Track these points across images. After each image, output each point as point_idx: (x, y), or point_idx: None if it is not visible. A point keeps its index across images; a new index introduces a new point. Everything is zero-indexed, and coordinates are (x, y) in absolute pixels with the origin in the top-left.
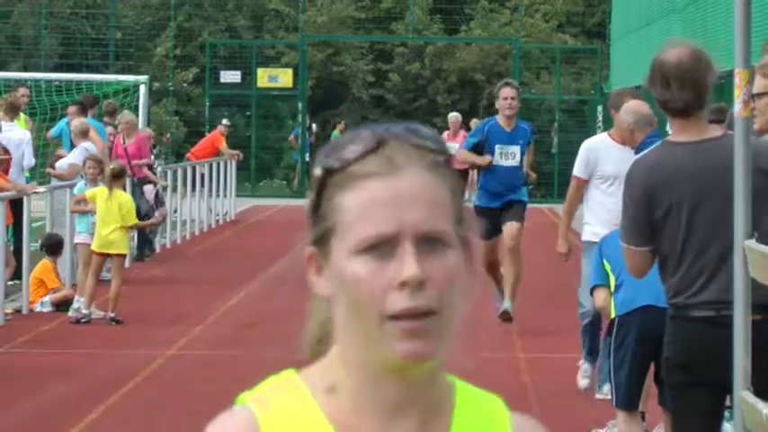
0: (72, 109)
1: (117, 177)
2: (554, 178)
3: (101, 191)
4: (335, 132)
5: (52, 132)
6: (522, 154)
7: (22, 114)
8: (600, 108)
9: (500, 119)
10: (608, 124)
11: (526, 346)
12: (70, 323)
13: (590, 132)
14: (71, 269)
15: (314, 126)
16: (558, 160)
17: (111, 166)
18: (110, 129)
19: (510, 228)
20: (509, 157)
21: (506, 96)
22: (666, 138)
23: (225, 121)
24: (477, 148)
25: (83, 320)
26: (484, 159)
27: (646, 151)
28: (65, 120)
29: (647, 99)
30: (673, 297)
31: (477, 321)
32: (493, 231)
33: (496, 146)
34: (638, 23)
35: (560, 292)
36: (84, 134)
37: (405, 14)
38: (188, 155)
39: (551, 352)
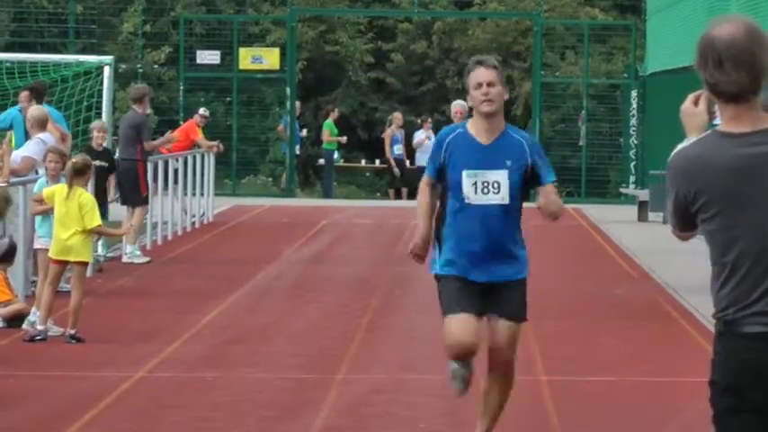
0: (24, 95)
1: (79, 173)
2: (582, 174)
3: (60, 189)
4: (329, 122)
5: (1, 121)
6: (516, 186)
7: None
8: (634, 93)
9: (472, 123)
10: (646, 113)
11: (549, 368)
12: (24, 341)
13: (623, 121)
14: (25, 279)
15: (304, 131)
16: (587, 153)
17: (74, 160)
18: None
19: (502, 330)
20: (489, 188)
21: (480, 81)
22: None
23: (202, 110)
24: (441, 177)
25: (38, 338)
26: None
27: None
28: (16, 107)
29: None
30: (722, 311)
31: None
32: (472, 307)
33: (464, 171)
34: None
35: (588, 306)
36: (43, 124)
37: None
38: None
39: (579, 375)
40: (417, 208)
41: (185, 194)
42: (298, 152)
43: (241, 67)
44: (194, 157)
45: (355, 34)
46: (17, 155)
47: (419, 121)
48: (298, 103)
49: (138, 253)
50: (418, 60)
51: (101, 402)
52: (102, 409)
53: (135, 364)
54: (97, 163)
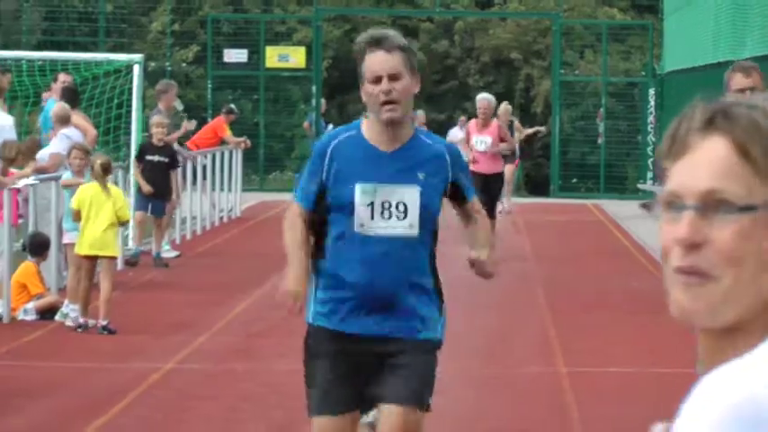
0: (46, 95)
1: (108, 171)
2: (600, 170)
3: (93, 192)
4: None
5: (41, 120)
6: (430, 211)
7: None
8: (652, 91)
9: (368, 126)
10: (663, 110)
11: (569, 360)
12: (72, 330)
13: (641, 118)
14: (57, 272)
15: (329, 128)
16: (606, 150)
17: (101, 161)
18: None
19: (390, 422)
20: (392, 211)
21: (378, 72)
22: None
23: (231, 107)
24: (319, 203)
25: (80, 330)
26: None
27: None
28: (50, 102)
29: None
30: None
31: (512, 332)
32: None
33: (358, 186)
34: None
35: (607, 299)
36: (65, 120)
37: None
38: (188, 143)
39: (598, 367)
40: (286, 243)
41: (213, 190)
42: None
43: (268, 65)
44: (222, 154)
45: None
46: (44, 152)
47: (461, 118)
48: (323, 101)
49: (168, 247)
50: (440, 59)
51: (132, 393)
52: (132, 399)
53: (165, 355)
54: (156, 158)
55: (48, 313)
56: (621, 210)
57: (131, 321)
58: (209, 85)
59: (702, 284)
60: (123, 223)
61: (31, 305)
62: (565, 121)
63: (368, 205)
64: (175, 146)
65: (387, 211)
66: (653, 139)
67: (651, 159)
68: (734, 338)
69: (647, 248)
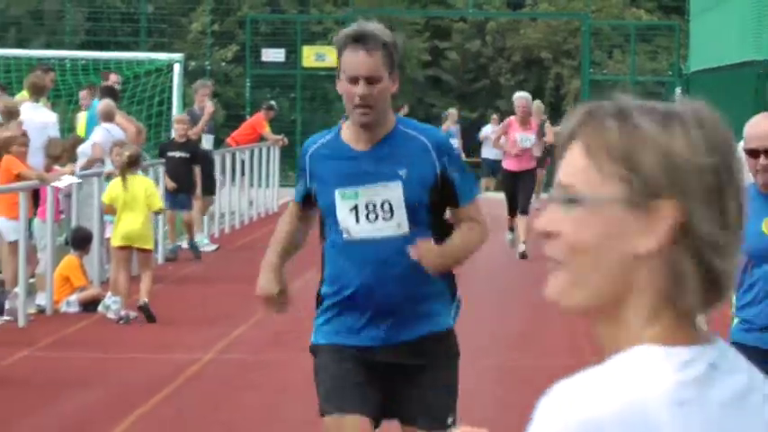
0: (83, 93)
1: (134, 164)
2: None
3: (118, 185)
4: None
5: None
6: (418, 205)
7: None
8: (678, 90)
9: (347, 127)
10: None
11: (597, 350)
12: (113, 322)
13: None
14: (99, 266)
15: None
16: None
17: (128, 153)
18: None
19: None
20: (377, 213)
21: (355, 74)
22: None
23: (271, 103)
24: (308, 203)
25: (121, 322)
26: None
27: None
28: (95, 102)
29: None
30: None
31: (542, 326)
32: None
33: (337, 191)
34: None
35: None
36: (108, 116)
37: None
38: (228, 140)
39: None
40: (275, 230)
41: (251, 185)
42: None
43: (305, 64)
44: (260, 150)
45: (413, 33)
46: (86, 146)
47: (493, 116)
48: None
49: (207, 241)
50: (473, 58)
51: (172, 383)
52: (172, 389)
53: (204, 346)
54: (178, 154)
55: (90, 305)
56: None
57: (171, 313)
58: (248, 84)
59: (557, 270)
60: (157, 212)
61: (74, 297)
62: None
63: (351, 210)
64: (204, 142)
65: (372, 213)
66: None
67: None
68: (613, 327)
69: None
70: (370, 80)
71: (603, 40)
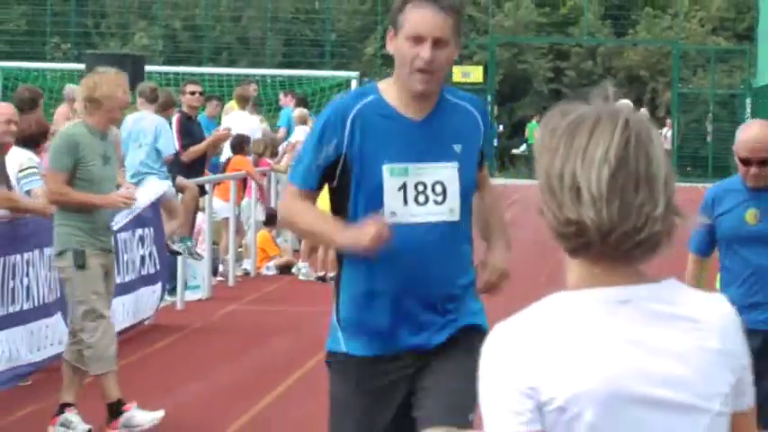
0: (285, 99)
1: None
2: (708, 162)
3: None
4: (533, 123)
5: (280, 122)
6: (469, 189)
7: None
8: (748, 101)
9: (388, 87)
10: (756, 115)
11: None
12: (304, 282)
13: (740, 122)
14: (292, 236)
15: (500, 128)
16: (713, 146)
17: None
18: None
19: None
20: (428, 195)
21: (422, 33)
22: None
23: None
24: (328, 177)
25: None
26: (360, 234)
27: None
28: (289, 109)
29: None
30: None
31: None
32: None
33: (385, 167)
34: None
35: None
36: (303, 120)
37: (580, 20)
38: None
39: None
40: (295, 219)
41: None
42: (495, 144)
43: (454, 80)
44: None
45: (539, 56)
46: (283, 144)
47: None
48: (495, 108)
49: None
50: (586, 76)
51: None
52: None
53: None
54: None
55: (285, 269)
56: None
57: None
58: None
59: None
60: None
61: (272, 263)
62: (681, 124)
63: (399, 189)
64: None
65: (422, 195)
66: None
67: None
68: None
69: None
70: (438, 42)
71: (689, 61)
